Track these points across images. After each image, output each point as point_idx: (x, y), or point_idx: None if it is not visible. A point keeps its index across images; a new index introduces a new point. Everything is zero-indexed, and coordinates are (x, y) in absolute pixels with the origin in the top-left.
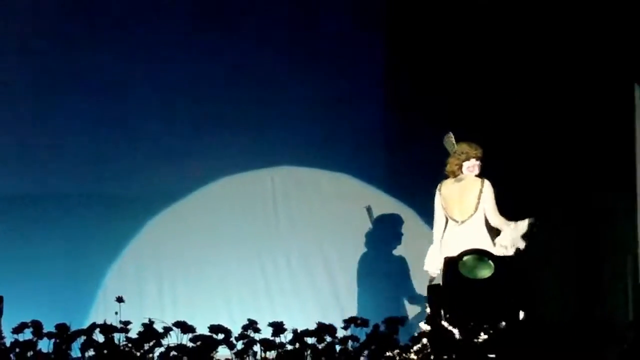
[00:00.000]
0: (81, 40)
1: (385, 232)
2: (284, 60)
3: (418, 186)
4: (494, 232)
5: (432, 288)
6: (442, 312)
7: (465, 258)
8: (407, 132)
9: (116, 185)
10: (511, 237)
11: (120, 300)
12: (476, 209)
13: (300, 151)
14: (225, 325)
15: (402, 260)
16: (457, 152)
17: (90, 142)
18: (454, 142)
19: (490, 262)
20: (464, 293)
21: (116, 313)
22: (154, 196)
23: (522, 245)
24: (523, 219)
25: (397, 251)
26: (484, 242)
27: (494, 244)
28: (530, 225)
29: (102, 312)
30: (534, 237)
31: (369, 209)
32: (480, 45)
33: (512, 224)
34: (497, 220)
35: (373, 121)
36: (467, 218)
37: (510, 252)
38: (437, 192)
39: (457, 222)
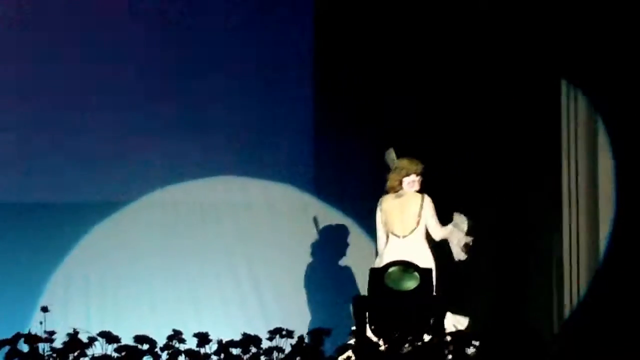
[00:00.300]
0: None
1: (316, 240)
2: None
3: (349, 192)
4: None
5: (357, 299)
6: (367, 323)
7: (390, 269)
8: (338, 136)
9: (51, 195)
10: (457, 239)
11: (45, 310)
12: (417, 224)
13: (229, 159)
14: (150, 335)
15: (332, 269)
16: (398, 167)
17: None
18: (394, 157)
19: (416, 273)
20: (389, 304)
21: (41, 323)
22: (84, 207)
23: (469, 240)
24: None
25: (327, 259)
26: (425, 256)
27: (435, 257)
28: (462, 219)
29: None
30: (474, 230)
31: (315, 220)
32: (408, 43)
33: (449, 226)
34: (440, 234)
35: (303, 128)
36: (408, 233)
37: (463, 254)
38: (378, 208)
39: (398, 236)
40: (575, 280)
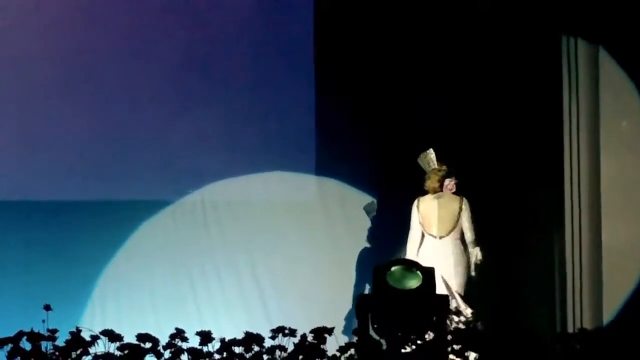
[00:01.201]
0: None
1: (319, 238)
2: None
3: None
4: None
5: (360, 298)
6: (370, 322)
7: (393, 268)
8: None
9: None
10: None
11: (47, 308)
12: (455, 225)
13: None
14: (153, 334)
15: (335, 267)
16: (437, 169)
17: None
18: (434, 158)
19: (419, 272)
20: (392, 303)
21: (43, 321)
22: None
23: (480, 258)
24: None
25: (330, 257)
26: (460, 255)
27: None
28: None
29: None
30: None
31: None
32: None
33: (475, 249)
34: (471, 238)
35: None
36: (445, 234)
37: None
38: (415, 208)
39: (435, 237)
40: (577, 281)
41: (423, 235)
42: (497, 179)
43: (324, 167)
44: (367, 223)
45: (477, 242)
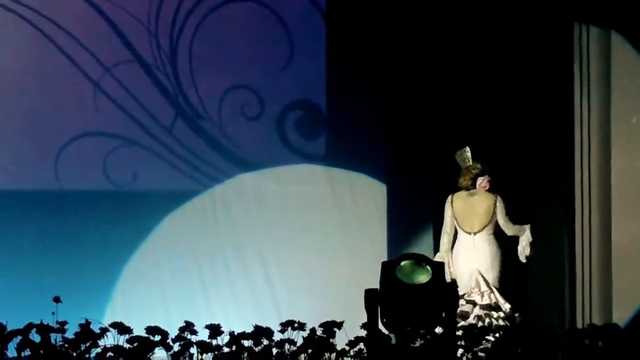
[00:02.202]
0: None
1: (328, 231)
2: None
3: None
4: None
5: (368, 292)
6: (379, 316)
7: (402, 263)
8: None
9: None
10: (521, 246)
11: (57, 300)
12: (489, 221)
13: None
14: (162, 327)
15: (344, 261)
16: (471, 167)
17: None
18: (469, 156)
19: (428, 267)
20: (401, 298)
21: (53, 313)
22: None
23: (529, 251)
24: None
25: (340, 251)
26: (496, 250)
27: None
28: (531, 231)
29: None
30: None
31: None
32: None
33: (517, 226)
34: (511, 231)
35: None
36: (478, 230)
37: (523, 258)
38: (449, 204)
39: (469, 233)
40: (587, 277)
41: (456, 231)
42: (506, 173)
43: (334, 157)
44: (378, 215)
45: (521, 232)
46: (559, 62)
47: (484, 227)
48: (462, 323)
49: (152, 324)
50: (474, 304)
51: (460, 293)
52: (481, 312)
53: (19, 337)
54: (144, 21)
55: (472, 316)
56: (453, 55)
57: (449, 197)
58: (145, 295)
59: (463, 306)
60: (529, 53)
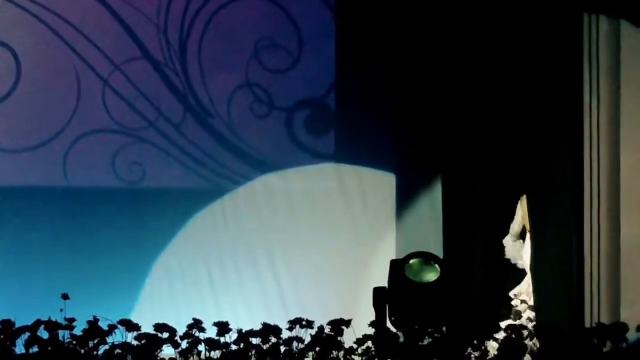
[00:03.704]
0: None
1: (337, 229)
2: None
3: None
4: None
5: (377, 290)
6: (387, 314)
7: (411, 261)
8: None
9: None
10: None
11: (65, 297)
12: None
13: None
14: (170, 324)
15: (353, 259)
16: None
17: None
18: None
19: (437, 265)
20: (409, 296)
21: (61, 310)
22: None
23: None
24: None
25: (348, 249)
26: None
27: None
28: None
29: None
30: None
31: None
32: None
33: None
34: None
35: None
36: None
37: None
38: (521, 207)
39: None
40: (595, 275)
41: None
42: (514, 170)
43: (344, 155)
44: (387, 213)
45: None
46: (568, 55)
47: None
48: (515, 322)
49: (161, 322)
50: (526, 303)
51: (517, 291)
52: (531, 314)
53: (27, 334)
54: (153, 18)
55: (524, 317)
56: (463, 50)
57: (522, 199)
58: (153, 293)
59: (517, 306)
60: (538, 46)
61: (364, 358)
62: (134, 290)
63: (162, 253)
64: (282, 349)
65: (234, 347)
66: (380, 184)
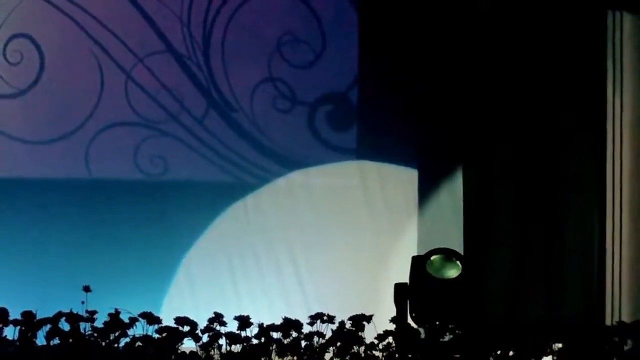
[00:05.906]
0: None
1: (358, 225)
2: None
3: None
4: None
5: (398, 286)
6: (409, 310)
7: (433, 258)
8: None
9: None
10: None
11: (87, 290)
12: None
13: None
14: (192, 318)
15: (375, 255)
16: None
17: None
18: None
19: (458, 262)
20: (431, 292)
21: (83, 302)
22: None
23: None
24: None
25: (370, 245)
26: None
27: None
28: None
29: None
30: None
31: None
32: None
33: None
34: None
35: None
36: None
37: None
38: None
39: None
40: (617, 273)
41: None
42: (538, 170)
43: (366, 151)
44: (409, 209)
45: None
46: (592, 55)
47: None
48: None
49: (181, 316)
50: None
51: None
52: None
53: (49, 326)
54: (177, 12)
55: None
56: (488, 46)
57: None
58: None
59: None
60: (563, 45)
61: (385, 354)
62: (160, 284)
63: (185, 247)
64: (303, 344)
65: (255, 341)
66: (402, 181)
